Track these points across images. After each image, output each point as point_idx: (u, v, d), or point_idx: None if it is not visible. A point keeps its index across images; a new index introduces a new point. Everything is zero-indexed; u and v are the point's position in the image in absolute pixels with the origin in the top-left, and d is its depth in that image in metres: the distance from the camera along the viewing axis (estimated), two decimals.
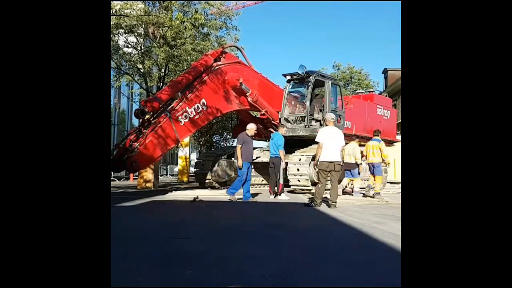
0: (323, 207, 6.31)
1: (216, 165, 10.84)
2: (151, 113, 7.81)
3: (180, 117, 8.10)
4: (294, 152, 10.02)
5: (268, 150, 12.04)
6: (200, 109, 8.49)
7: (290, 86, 10.94)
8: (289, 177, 9.29)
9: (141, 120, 8.08)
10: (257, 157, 11.36)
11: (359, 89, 25.99)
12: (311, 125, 10.08)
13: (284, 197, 7.88)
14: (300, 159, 9.17)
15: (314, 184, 9.14)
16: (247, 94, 9.50)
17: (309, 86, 10.26)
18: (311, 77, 10.34)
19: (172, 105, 8.16)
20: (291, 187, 9.39)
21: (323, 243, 3.45)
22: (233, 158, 11.28)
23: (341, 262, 2.71)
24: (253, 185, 12.02)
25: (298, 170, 9.07)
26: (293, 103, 10.76)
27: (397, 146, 16.05)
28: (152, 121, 7.83)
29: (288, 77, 10.88)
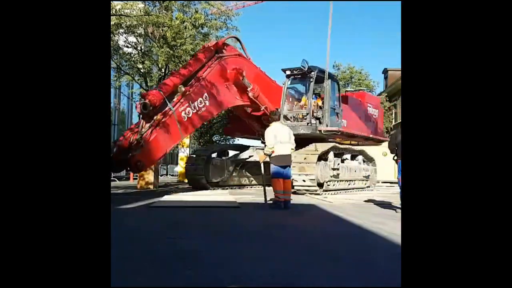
0: (323, 207, 6.31)
1: (210, 164, 10.24)
2: (151, 107, 7.28)
3: (183, 112, 7.67)
4: (297, 150, 9.61)
5: (262, 149, 11.35)
6: (203, 104, 8.10)
7: (289, 82, 10.41)
8: (293, 177, 8.77)
9: (141, 115, 7.59)
10: (249, 156, 10.92)
11: (354, 88, 25.84)
12: (312, 123, 9.70)
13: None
14: (305, 158, 8.67)
15: (319, 184, 8.70)
16: (248, 89, 9.07)
17: (311, 82, 9.79)
18: (312, 73, 9.82)
19: (175, 100, 7.70)
20: (295, 187, 8.77)
21: (323, 243, 3.45)
22: (223, 157, 10.86)
23: (341, 262, 2.71)
24: (243, 185, 11.53)
25: (304, 169, 8.59)
26: (291, 99, 10.36)
27: None
28: (155, 117, 7.36)
29: (288, 72, 10.26)
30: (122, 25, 11.26)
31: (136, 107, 7.55)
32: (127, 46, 12.71)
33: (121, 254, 2.69)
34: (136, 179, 12.95)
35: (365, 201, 7.69)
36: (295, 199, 8.15)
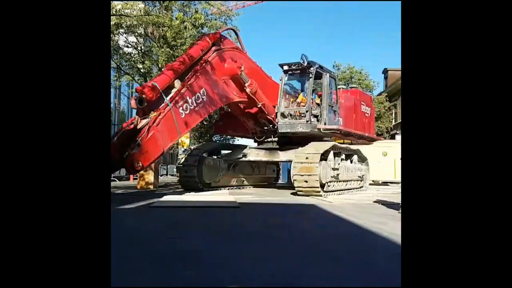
0: (323, 207, 6.31)
1: (202, 164, 9.58)
2: (147, 102, 6.58)
3: (181, 108, 7.09)
4: (295, 149, 9.27)
5: (256, 148, 10.71)
6: (200, 99, 7.52)
7: (286, 78, 10.03)
8: (294, 177, 8.23)
9: (136, 110, 6.83)
10: (242, 155, 10.49)
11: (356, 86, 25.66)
12: (312, 121, 9.32)
13: None
14: (307, 157, 8.18)
15: (322, 185, 8.35)
16: (246, 85, 8.56)
17: (310, 78, 9.41)
18: (312, 68, 9.41)
19: (172, 95, 7.08)
20: (296, 189, 8.33)
21: (323, 243, 3.45)
22: (214, 156, 10.27)
23: (341, 262, 2.71)
24: (235, 186, 11.02)
25: (306, 169, 8.04)
26: (287, 96, 10.06)
27: (397, 146, 16.08)
28: (151, 113, 6.68)
29: (286, 67, 9.83)
30: (122, 25, 11.26)
31: (131, 102, 6.92)
32: (127, 46, 12.71)
33: (121, 254, 2.69)
34: (136, 179, 12.94)
35: (373, 201, 7.63)
36: (294, 199, 8.15)
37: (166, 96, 7.02)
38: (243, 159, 10.63)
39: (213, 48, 8.05)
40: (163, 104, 6.87)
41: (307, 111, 9.37)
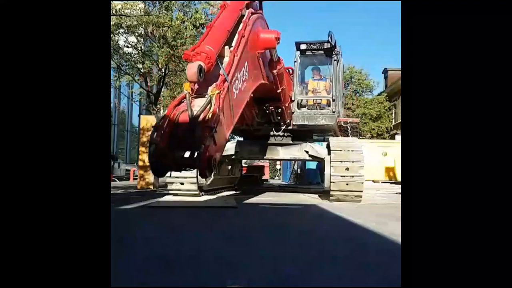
0: (324, 207, 6.31)
1: None
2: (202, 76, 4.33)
3: (234, 86, 5.04)
4: (298, 145, 8.23)
5: (249, 144, 8.92)
6: (245, 76, 5.34)
7: (300, 60, 8.25)
8: (332, 181, 6.69)
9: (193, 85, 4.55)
10: (236, 152, 8.73)
11: (359, 89, 25.80)
12: (333, 111, 7.80)
13: None
14: (352, 154, 6.74)
15: None
16: (276, 62, 6.32)
17: (335, 60, 7.82)
18: (337, 49, 7.77)
19: (225, 66, 4.87)
20: (333, 192, 6.80)
21: (323, 243, 3.45)
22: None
23: (341, 262, 2.71)
24: (215, 189, 8.98)
25: (347, 169, 6.63)
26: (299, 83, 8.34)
27: (397, 146, 16.10)
28: (210, 89, 4.50)
29: (304, 47, 7.90)
30: (122, 25, 11.26)
31: (188, 70, 4.27)
32: (127, 46, 12.71)
33: (121, 254, 2.69)
34: (136, 179, 12.95)
35: (367, 201, 7.64)
36: (295, 198, 8.14)
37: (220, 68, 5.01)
38: (235, 156, 8.87)
39: (250, 10, 5.69)
40: (220, 78, 4.67)
41: (333, 100, 7.79)
